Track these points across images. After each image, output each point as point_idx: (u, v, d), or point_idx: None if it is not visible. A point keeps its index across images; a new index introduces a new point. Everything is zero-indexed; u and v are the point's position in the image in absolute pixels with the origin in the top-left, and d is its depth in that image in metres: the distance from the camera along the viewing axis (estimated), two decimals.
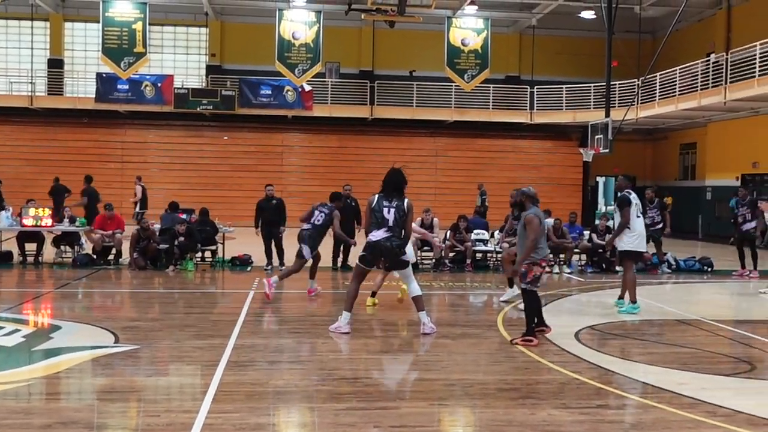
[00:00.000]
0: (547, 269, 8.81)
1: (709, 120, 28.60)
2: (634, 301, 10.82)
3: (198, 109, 29.35)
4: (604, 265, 16.00)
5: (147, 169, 30.21)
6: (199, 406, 5.82)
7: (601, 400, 6.28)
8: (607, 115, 26.20)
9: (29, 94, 29.88)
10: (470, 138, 31.89)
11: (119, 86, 29.25)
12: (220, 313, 10.73)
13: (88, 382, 6.79)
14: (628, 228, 10.73)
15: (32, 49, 30.81)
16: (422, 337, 8.62)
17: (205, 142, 30.94)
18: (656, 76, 27.44)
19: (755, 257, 15.64)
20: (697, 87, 25.35)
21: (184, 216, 16.48)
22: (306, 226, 12.05)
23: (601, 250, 16.00)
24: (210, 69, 32.20)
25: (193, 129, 30.89)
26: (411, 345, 8.37)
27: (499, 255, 14.88)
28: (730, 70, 23.51)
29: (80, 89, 30.98)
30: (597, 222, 17.25)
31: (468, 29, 29.23)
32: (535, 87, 31.49)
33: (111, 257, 15.86)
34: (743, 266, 15.69)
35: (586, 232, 16.97)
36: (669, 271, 16.18)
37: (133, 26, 27.90)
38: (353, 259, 15.51)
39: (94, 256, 15.74)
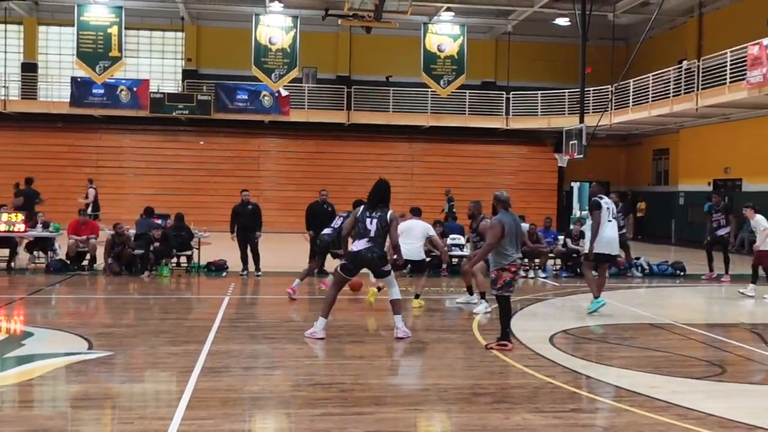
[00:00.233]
0: (522, 273, 8.79)
1: (682, 126, 28.94)
2: (596, 296, 11.14)
3: (174, 113, 29.21)
4: (578, 270, 16.11)
5: (122, 174, 30.06)
6: (173, 412, 5.80)
7: (574, 404, 6.34)
8: (582, 120, 26.49)
9: (2, 98, 29.56)
10: (446, 143, 32.01)
11: (94, 90, 29.03)
12: (195, 319, 10.68)
13: (61, 389, 6.74)
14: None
15: (5, 53, 30.56)
16: (397, 342, 8.65)
17: (181, 146, 30.79)
18: (629, 82, 27.74)
19: (727, 262, 15.86)
20: (669, 93, 25.66)
21: (159, 221, 16.37)
22: (327, 230, 12.20)
23: (575, 255, 16.14)
24: (186, 73, 32.07)
25: (169, 134, 30.72)
26: (386, 350, 8.39)
27: None
28: (702, 76, 23.82)
29: (54, 93, 30.69)
30: (571, 227, 17.37)
31: (444, 35, 29.37)
32: (511, 93, 31.71)
33: (85, 263, 15.73)
34: (711, 269, 15.91)
35: (561, 237, 17.11)
36: (640, 275, 16.34)
37: (109, 30, 27.74)
38: (330, 265, 15.60)
39: (68, 262, 15.60)
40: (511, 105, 31.68)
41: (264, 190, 29.98)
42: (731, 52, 22.41)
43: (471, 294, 11.76)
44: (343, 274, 8.98)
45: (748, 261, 20.84)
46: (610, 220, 11.21)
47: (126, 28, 28.58)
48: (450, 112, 31.33)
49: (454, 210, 24.80)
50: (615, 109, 28.62)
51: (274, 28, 28.15)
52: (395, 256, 9.41)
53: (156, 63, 32.79)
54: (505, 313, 8.52)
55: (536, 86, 32.01)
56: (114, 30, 27.71)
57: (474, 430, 5.61)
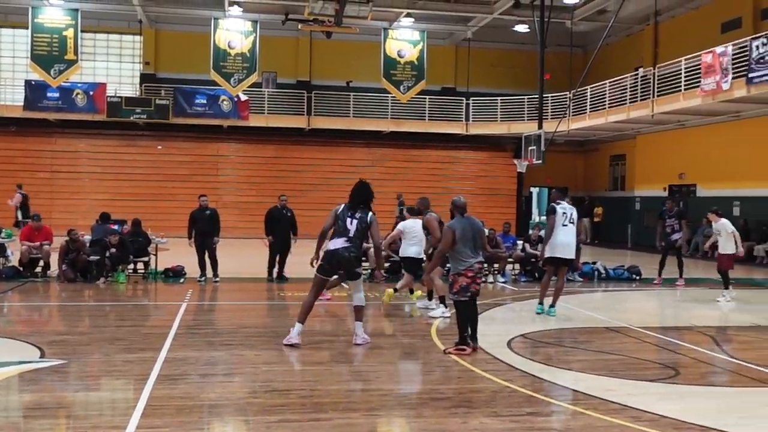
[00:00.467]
0: (482, 279, 8.81)
1: (638, 132, 29.40)
2: (540, 302, 11.55)
3: (131, 118, 28.86)
4: (537, 274, 16.25)
5: (78, 179, 29.61)
6: (127, 421, 5.71)
7: (531, 407, 6.38)
8: (540, 126, 26.76)
9: None
10: (407, 149, 32.11)
11: (49, 94, 28.57)
12: (151, 326, 10.54)
13: (13, 398, 6.59)
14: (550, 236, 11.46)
15: None
16: (356, 348, 8.62)
17: (139, 151, 30.40)
18: (587, 89, 28.11)
19: (681, 266, 16.11)
20: (626, 100, 26.06)
21: (115, 227, 16.16)
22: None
23: (534, 260, 16.29)
24: (144, 77, 31.70)
25: (126, 138, 30.32)
26: (345, 355, 8.36)
27: None
28: (657, 84, 24.23)
29: (8, 97, 30.08)
30: (530, 232, 17.54)
31: (404, 41, 29.48)
32: (471, 98, 31.92)
33: (39, 269, 15.43)
34: (660, 274, 16.19)
35: (520, 242, 17.24)
36: (581, 279, 16.50)
37: (64, 33, 27.34)
38: (289, 269, 15.56)
39: (21, 269, 15.29)
40: (470, 111, 31.90)
41: (223, 195, 29.77)
42: (686, 60, 22.83)
43: (430, 299, 11.79)
44: (321, 276, 8.84)
45: (702, 265, 21.33)
46: (565, 225, 11.44)
47: (82, 31, 28.18)
48: (410, 118, 31.44)
49: (405, 214, 24.85)
50: (573, 115, 28.98)
51: (234, 33, 27.99)
52: (380, 269, 9.48)
53: (113, 66, 32.37)
54: (462, 318, 8.55)
55: (496, 92, 32.28)
56: (70, 33, 27.32)
57: None
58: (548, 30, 26.50)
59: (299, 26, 27.62)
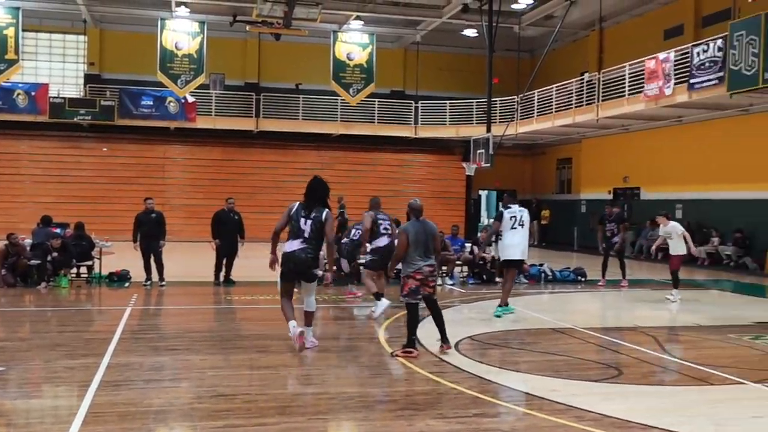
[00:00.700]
0: (435, 283, 8.82)
1: (584, 136, 29.86)
2: (504, 304, 11.73)
3: (75, 119, 28.29)
4: (484, 277, 16.40)
5: (20, 182, 28.90)
6: (68, 429, 5.59)
7: (477, 409, 6.42)
8: (489, 130, 27.00)
9: None
10: (356, 151, 32.12)
11: None
12: (94, 332, 10.35)
13: None
14: (500, 239, 11.75)
15: None
16: (303, 351, 8.55)
17: (83, 153, 29.81)
18: (534, 93, 28.46)
19: (623, 268, 16.42)
20: (572, 104, 26.44)
21: (58, 230, 15.81)
22: (345, 240, 11.90)
23: (482, 262, 16.43)
24: (88, 78, 31.06)
25: (70, 140, 29.69)
26: (292, 359, 8.30)
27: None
28: (602, 89, 24.64)
29: None
30: (479, 234, 17.69)
31: (353, 44, 29.47)
32: (420, 102, 32.07)
33: None
34: (603, 276, 16.49)
35: (468, 245, 17.36)
36: (527, 281, 16.71)
37: (5, 32, 26.70)
38: (236, 273, 15.41)
39: None
40: (419, 114, 32.04)
41: (169, 198, 29.38)
42: (630, 65, 23.26)
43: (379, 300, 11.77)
44: (284, 282, 8.68)
45: (646, 267, 21.76)
46: (514, 228, 11.66)
47: (24, 30, 27.55)
48: (360, 121, 31.44)
49: (346, 216, 24.86)
50: (520, 119, 29.31)
51: (181, 33, 27.64)
52: (330, 269, 9.31)
53: (56, 67, 31.69)
54: (412, 321, 8.57)
55: (445, 96, 32.50)
56: (10, 32, 26.67)
57: None
58: (496, 35, 26.76)
59: (247, 28, 27.47)
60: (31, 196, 28.16)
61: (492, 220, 18.39)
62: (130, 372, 7.53)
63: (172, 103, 29.08)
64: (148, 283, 14.70)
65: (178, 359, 8.29)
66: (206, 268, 15.93)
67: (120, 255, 16.92)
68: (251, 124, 30.59)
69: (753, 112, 21.38)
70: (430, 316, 8.93)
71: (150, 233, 14.73)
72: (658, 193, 25.95)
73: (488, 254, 16.83)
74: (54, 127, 28.87)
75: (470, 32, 30.92)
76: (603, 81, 24.73)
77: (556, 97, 27.38)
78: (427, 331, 9.24)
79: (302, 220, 8.46)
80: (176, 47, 27.40)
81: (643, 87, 22.18)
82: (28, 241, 15.42)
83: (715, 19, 23.14)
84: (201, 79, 27.84)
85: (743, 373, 7.92)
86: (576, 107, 26.13)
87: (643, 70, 22.27)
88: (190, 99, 29.15)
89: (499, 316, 11.46)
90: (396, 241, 11.43)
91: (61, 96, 28.97)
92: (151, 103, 29.16)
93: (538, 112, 28.44)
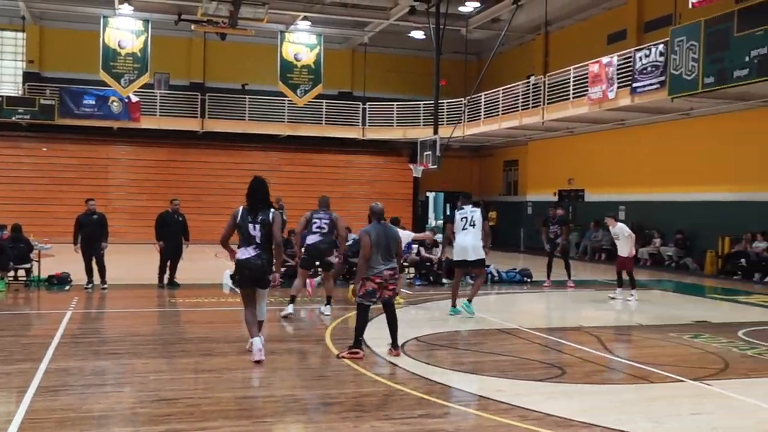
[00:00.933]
0: (395, 286, 8.79)
1: (530, 139, 30.21)
2: (453, 305, 11.90)
3: (14, 118, 27.56)
4: (431, 278, 16.45)
5: None
6: None
7: (422, 409, 6.41)
8: (436, 132, 27.15)
9: None
10: (304, 153, 31.96)
11: None
12: (32, 336, 10.08)
13: None
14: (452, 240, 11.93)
15: None
16: (248, 354, 8.42)
17: (22, 153, 29.04)
18: (481, 95, 28.68)
19: (569, 268, 16.66)
20: (518, 107, 26.71)
21: None
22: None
23: (428, 264, 16.49)
24: (28, 76, 30.27)
25: (8, 140, 28.89)
26: (237, 363, 8.18)
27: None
28: (548, 92, 24.96)
29: None
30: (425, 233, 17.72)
31: (301, 44, 29.29)
32: (367, 103, 32.06)
33: None
34: (548, 277, 16.73)
35: (415, 246, 17.38)
36: (471, 282, 16.81)
37: None
38: (180, 275, 15.19)
39: None
40: (367, 115, 32.03)
41: (112, 199, 28.82)
42: (574, 69, 23.60)
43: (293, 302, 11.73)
44: (242, 290, 8.43)
45: (590, 267, 22.11)
46: (465, 229, 11.78)
47: None
48: (307, 122, 31.29)
49: (285, 218, 24.74)
50: (467, 121, 29.50)
51: (124, 32, 27.11)
52: (278, 270, 9.09)
53: None
54: (361, 322, 8.53)
55: (392, 97, 32.54)
56: None
57: None
58: (444, 37, 26.93)
59: (192, 27, 27.10)
60: None
61: (440, 221, 18.42)
62: (70, 377, 7.35)
63: (115, 103, 28.52)
64: (90, 286, 14.39)
65: (120, 363, 8.12)
66: (150, 270, 15.67)
67: (60, 257, 16.53)
68: (197, 124, 30.20)
69: (693, 115, 21.89)
70: (378, 318, 8.95)
71: (91, 235, 14.44)
72: (602, 195, 26.39)
73: (435, 256, 16.91)
74: None
75: (418, 34, 31.07)
76: (548, 84, 25.04)
77: (502, 100, 27.63)
78: (374, 333, 9.22)
79: (250, 225, 8.16)
80: (119, 46, 26.87)
81: (587, 90, 22.53)
82: None
83: (656, 25, 23.62)
84: (145, 79, 27.36)
85: (682, 371, 8.08)
86: (522, 110, 26.41)
87: (587, 73, 22.62)
88: (134, 98, 28.63)
89: (472, 315, 11.65)
90: (321, 240, 11.43)
91: None
92: (94, 102, 28.56)
93: (485, 115, 28.66)
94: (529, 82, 26.48)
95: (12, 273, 15.08)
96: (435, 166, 26.52)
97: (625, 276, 14.56)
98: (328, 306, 11.66)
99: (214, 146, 30.90)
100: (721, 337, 10.28)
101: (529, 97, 26.25)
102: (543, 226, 17.18)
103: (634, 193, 24.68)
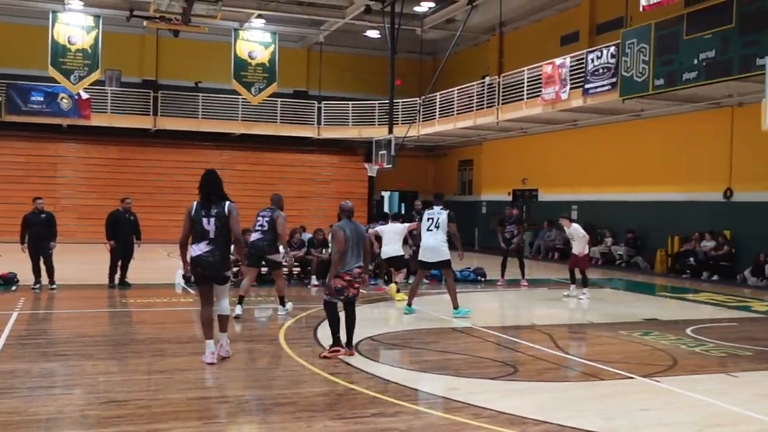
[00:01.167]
0: (360, 284, 8.75)
1: (485, 138, 30.42)
2: (409, 304, 12.05)
3: None
4: (386, 277, 16.44)
5: None
6: None
7: (375, 408, 6.40)
8: (391, 131, 27.19)
9: None
10: (258, 151, 31.72)
11: None
12: None
13: None
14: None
15: None
16: (201, 356, 8.29)
17: None
18: (436, 95, 28.80)
19: (523, 267, 16.81)
20: (473, 107, 26.88)
21: None
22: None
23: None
24: None
25: None
26: (189, 363, 8.07)
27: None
28: (502, 92, 25.16)
29: None
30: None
31: (255, 42, 29.08)
32: (323, 102, 31.96)
33: None
34: (503, 275, 16.87)
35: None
36: (427, 282, 16.85)
37: None
38: (132, 275, 14.96)
39: None
40: (322, 114, 31.92)
41: (61, 198, 28.26)
42: (528, 70, 23.82)
43: (282, 304, 11.65)
44: (197, 285, 8.28)
45: (543, 266, 22.34)
46: (430, 230, 11.86)
47: None
48: (261, 120, 31.07)
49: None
50: (423, 120, 29.61)
51: (74, 27, 26.60)
52: (243, 264, 8.94)
53: None
54: (333, 321, 8.46)
55: (347, 96, 32.49)
56: None
57: None
58: (399, 37, 26.97)
59: (145, 23, 26.69)
60: None
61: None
62: (15, 379, 7.18)
63: (64, 100, 27.96)
64: (37, 286, 14.08)
65: (69, 365, 7.96)
66: (100, 270, 15.40)
67: (7, 257, 16.17)
68: (149, 122, 29.78)
69: (644, 117, 22.26)
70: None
71: (39, 234, 14.13)
72: (555, 195, 26.70)
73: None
74: None
75: (373, 34, 31.08)
76: (503, 84, 25.24)
77: (457, 100, 27.78)
78: (327, 332, 9.16)
79: (204, 220, 7.90)
80: (69, 41, 26.35)
81: (541, 91, 22.76)
82: None
83: (608, 27, 23.96)
84: (96, 75, 26.89)
85: (632, 368, 8.20)
86: (477, 110, 26.58)
87: (541, 74, 22.86)
88: (84, 95, 28.11)
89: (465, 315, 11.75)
90: (261, 237, 11.34)
91: None
92: (42, 99, 27.95)
93: (439, 114, 28.79)
94: (483, 83, 26.65)
95: None
96: (390, 166, 26.56)
97: (578, 274, 14.74)
98: (283, 306, 11.54)
99: (167, 144, 30.49)
100: (670, 334, 10.46)
101: (483, 97, 26.42)
102: (499, 226, 17.31)
103: (586, 192, 25.01)
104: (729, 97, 18.90)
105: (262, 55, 28.98)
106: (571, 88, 21.47)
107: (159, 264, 19.12)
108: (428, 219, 11.93)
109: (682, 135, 21.27)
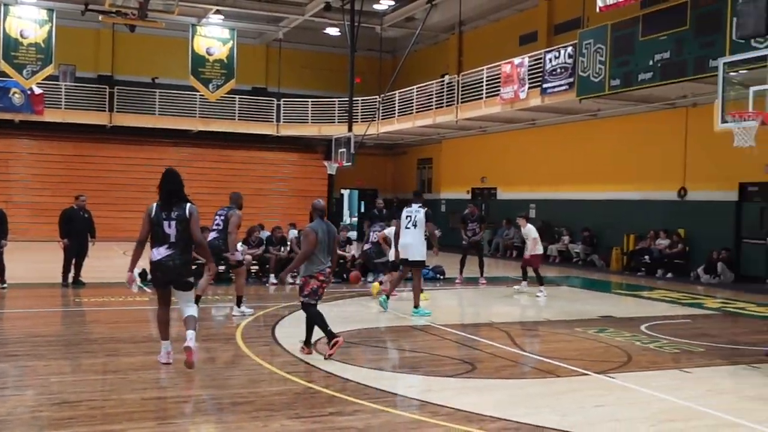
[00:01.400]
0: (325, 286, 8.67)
1: (444, 137, 30.53)
2: (387, 296, 12.23)
3: None
4: (344, 276, 16.40)
5: None
6: None
7: (333, 407, 6.38)
8: (350, 129, 27.16)
9: None
10: (216, 149, 31.40)
11: None
12: None
13: None
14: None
15: None
16: (156, 355, 8.16)
17: None
18: (396, 93, 28.82)
19: (482, 265, 16.91)
20: (432, 106, 26.95)
21: None
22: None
23: (341, 261, 16.43)
24: None
25: None
26: (144, 363, 7.95)
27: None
28: (461, 91, 25.28)
29: None
30: (339, 233, 17.64)
31: (213, 38, 28.80)
32: (282, 99, 31.79)
33: None
34: (461, 273, 16.98)
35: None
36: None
37: None
38: (86, 274, 14.71)
39: None
40: (281, 112, 31.75)
41: (13, 195, 27.62)
42: (487, 69, 23.96)
43: (239, 305, 11.52)
44: (156, 288, 7.94)
45: (502, 264, 22.50)
46: (407, 228, 12.00)
47: None
48: (220, 117, 30.79)
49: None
50: (382, 119, 29.62)
51: (27, 21, 26.06)
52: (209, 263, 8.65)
53: None
54: (318, 320, 8.34)
55: (307, 94, 32.37)
56: None
57: None
58: (359, 34, 26.94)
59: (100, 18, 26.26)
60: None
61: (355, 218, 18.44)
62: None
63: (17, 95, 27.36)
64: None
65: (20, 366, 7.80)
66: (53, 269, 15.12)
67: None
68: (104, 118, 29.31)
69: (601, 116, 22.54)
70: (294, 315, 8.77)
71: None
72: (514, 193, 26.90)
73: (348, 253, 16.89)
74: None
75: (333, 31, 30.98)
76: (462, 83, 25.36)
77: (416, 98, 27.83)
78: (287, 331, 9.14)
79: (165, 223, 7.59)
80: (21, 35, 25.80)
81: (499, 90, 22.91)
82: None
83: (566, 28, 24.20)
84: (49, 70, 26.38)
85: (587, 364, 8.29)
86: (436, 108, 26.66)
87: (499, 73, 23.00)
88: (37, 90, 27.55)
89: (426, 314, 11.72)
90: (216, 237, 11.23)
91: None
92: None
93: (399, 113, 28.82)
94: (443, 81, 26.74)
95: None
96: (349, 164, 26.54)
97: (532, 273, 14.92)
98: (240, 306, 11.40)
99: (123, 141, 30.02)
100: (625, 331, 10.61)
101: (443, 95, 26.52)
102: (462, 224, 17.35)
103: (544, 191, 25.24)
104: (683, 97, 19.23)
105: (221, 52, 28.73)
106: (529, 88, 21.64)
107: (114, 262, 18.81)
108: (406, 217, 12.05)
109: (637, 135, 21.58)
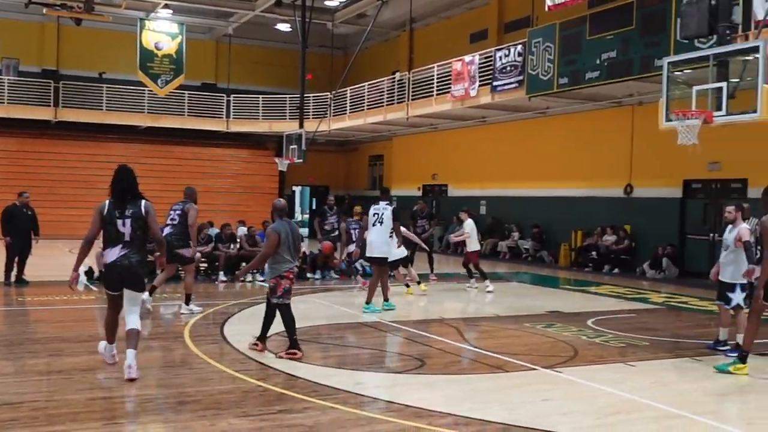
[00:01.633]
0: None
1: (395, 134, 30.60)
2: (370, 298, 11.97)
3: None
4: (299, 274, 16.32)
5: None
6: None
7: (282, 405, 6.34)
8: (301, 126, 27.06)
9: None
10: (165, 145, 30.99)
11: None
12: None
13: None
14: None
15: None
16: (99, 355, 8.01)
17: None
18: (347, 90, 28.77)
19: (432, 262, 17.00)
20: (383, 102, 26.97)
21: None
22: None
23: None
24: None
25: None
26: (89, 363, 7.80)
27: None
28: (412, 88, 25.35)
29: None
30: None
31: (162, 33, 28.40)
32: (232, 95, 31.50)
33: None
34: (432, 270, 17.02)
35: None
36: (337, 276, 16.90)
37: None
38: (29, 272, 14.39)
39: None
40: (232, 108, 31.46)
41: None
42: (438, 66, 24.07)
43: (188, 303, 11.37)
44: (107, 291, 7.54)
45: (452, 260, 22.62)
46: (374, 225, 11.96)
47: None
48: (169, 113, 30.38)
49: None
50: (333, 115, 29.55)
51: None
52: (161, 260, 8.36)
53: None
54: (292, 326, 8.28)
55: (258, 90, 32.14)
56: None
57: None
58: (310, 30, 26.81)
59: (44, 11, 25.69)
60: None
61: (306, 215, 18.34)
62: None
63: None
64: None
65: None
66: None
67: None
68: (49, 113, 28.71)
69: (549, 114, 22.83)
70: (244, 312, 8.68)
71: None
72: (464, 190, 27.08)
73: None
74: None
75: (284, 27, 30.81)
76: (413, 80, 25.43)
77: (368, 95, 27.82)
78: (237, 329, 9.06)
79: (119, 221, 7.21)
80: None
81: (450, 88, 23.03)
82: None
83: (516, 26, 24.42)
84: None
85: (535, 359, 8.40)
86: (387, 105, 26.68)
87: (450, 71, 23.12)
88: None
89: (376, 311, 11.69)
90: (171, 232, 11.09)
91: None
92: None
93: (350, 109, 28.78)
94: (394, 78, 26.78)
95: None
96: (301, 160, 26.43)
97: (474, 269, 15.06)
98: (189, 304, 11.27)
99: (69, 137, 29.45)
100: (572, 326, 10.76)
101: (394, 92, 26.56)
102: (411, 220, 17.41)
103: (494, 188, 25.46)
104: (630, 96, 19.56)
105: (169, 46, 28.34)
106: (479, 85, 21.79)
107: (59, 260, 18.42)
108: (374, 214, 12.02)
109: (585, 132, 21.89)
